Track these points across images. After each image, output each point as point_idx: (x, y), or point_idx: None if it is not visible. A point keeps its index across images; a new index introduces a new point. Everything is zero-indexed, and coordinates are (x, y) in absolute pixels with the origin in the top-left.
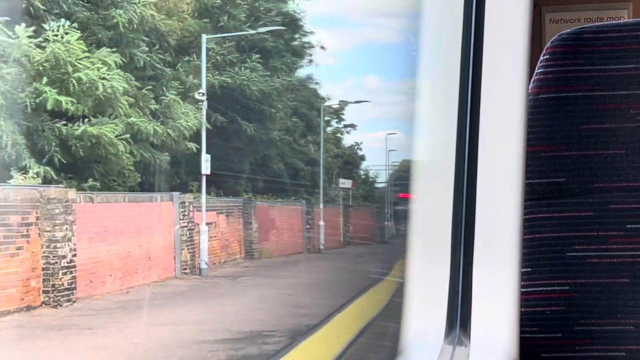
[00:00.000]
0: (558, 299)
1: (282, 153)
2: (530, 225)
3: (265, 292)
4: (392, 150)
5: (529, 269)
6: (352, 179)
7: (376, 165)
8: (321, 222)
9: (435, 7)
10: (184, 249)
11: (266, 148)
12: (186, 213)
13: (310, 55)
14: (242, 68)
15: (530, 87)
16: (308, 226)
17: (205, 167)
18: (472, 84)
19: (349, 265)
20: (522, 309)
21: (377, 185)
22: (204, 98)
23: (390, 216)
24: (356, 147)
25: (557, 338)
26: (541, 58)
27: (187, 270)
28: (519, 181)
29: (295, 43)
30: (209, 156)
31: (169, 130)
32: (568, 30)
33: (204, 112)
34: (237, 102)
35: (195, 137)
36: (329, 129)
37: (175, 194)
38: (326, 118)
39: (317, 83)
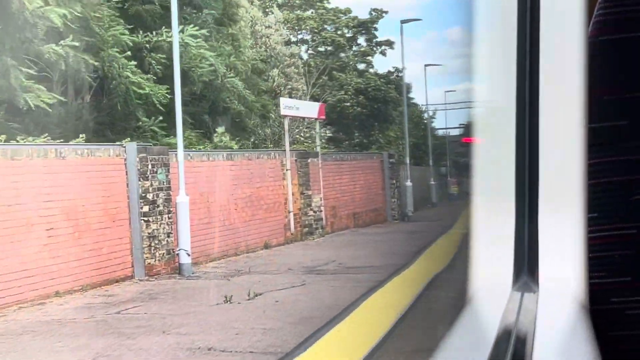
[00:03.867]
0: (626, 243)
1: None
2: (595, 170)
3: None
4: (450, 90)
5: (595, 214)
6: (388, 121)
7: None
8: (180, 200)
9: None
10: None
11: None
12: None
13: None
14: None
15: (589, 30)
16: (142, 207)
17: None
18: (530, 28)
19: None
20: (590, 255)
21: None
22: None
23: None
24: (395, 74)
25: (627, 282)
26: (600, 0)
27: None
28: (580, 125)
29: None
30: None
31: None
32: None
33: None
34: None
35: None
36: (354, 49)
37: None
38: (349, 34)
39: None
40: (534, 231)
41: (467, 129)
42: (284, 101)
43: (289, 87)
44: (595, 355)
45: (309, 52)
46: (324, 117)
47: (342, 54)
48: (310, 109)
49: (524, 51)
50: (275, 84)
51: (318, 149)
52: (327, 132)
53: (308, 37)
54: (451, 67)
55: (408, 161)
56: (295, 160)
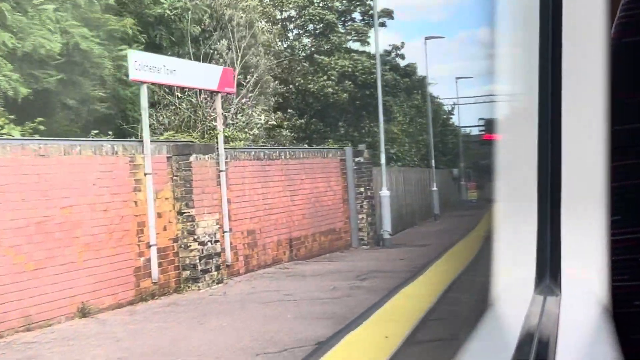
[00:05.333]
0: None
1: None
2: (618, 173)
3: None
4: (461, 77)
5: (618, 217)
6: (388, 113)
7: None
8: None
9: None
10: None
11: None
12: None
13: None
14: None
15: (612, 32)
16: None
17: None
18: (553, 31)
19: None
20: (613, 257)
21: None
22: None
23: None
24: (394, 53)
25: None
26: (623, 1)
27: None
28: (604, 128)
29: None
30: None
31: None
32: None
33: None
34: None
35: None
36: (348, 24)
37: None
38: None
39: None
40: (557, 234)
41: (486, 126)
42: (135, 57)
43: (247, 65)
44: (618, 358)
45: (295, 32)
46: (233, 88)
47: (332, 35)
48: (202, 76)
49: (547, 53)
50: (222, 59)
51: (220, 139)
52: (282, 119)
53: (294, 14)
54: (473, 68)
55: (383, 161)
56: (168, 158)
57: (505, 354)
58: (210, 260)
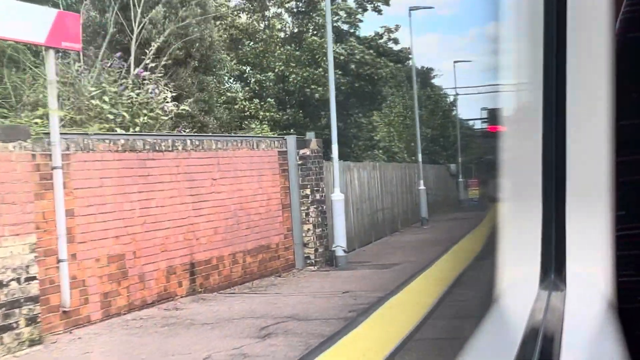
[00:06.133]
0: None
1: None
2: (623, 168)
3: None
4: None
5: (624, 212)
6: (375, 102)
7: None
8: None
9: None
10: None
11: None
12: None
13: None
14: None
15: (616, 27)
16: None
17: None
18: (557, 25)
19: None
20: (618, 252)
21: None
22: None
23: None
24: (385, 35)
25: None
26: None
27: None
28: (609, 123)
29: None
30: None
31: None
32: None
33: None
34: None
35: None
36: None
37: None
38: None
39: None
40: (561, 229)
41: (489, 118)
42: None
43: (193, 40)
44: (623, 354)
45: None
46: (78, 44)
47: (315, 14)
48: (16, 20)
49: (551, 49)
50: (159, 36)
51: (52, 120)
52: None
53: None
54: (477, 63)
55: (336, 154)
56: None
57: (510, 349)
58: (15, 311)
